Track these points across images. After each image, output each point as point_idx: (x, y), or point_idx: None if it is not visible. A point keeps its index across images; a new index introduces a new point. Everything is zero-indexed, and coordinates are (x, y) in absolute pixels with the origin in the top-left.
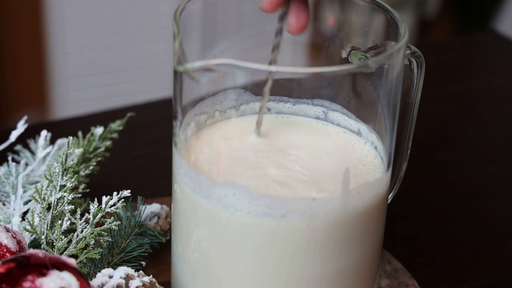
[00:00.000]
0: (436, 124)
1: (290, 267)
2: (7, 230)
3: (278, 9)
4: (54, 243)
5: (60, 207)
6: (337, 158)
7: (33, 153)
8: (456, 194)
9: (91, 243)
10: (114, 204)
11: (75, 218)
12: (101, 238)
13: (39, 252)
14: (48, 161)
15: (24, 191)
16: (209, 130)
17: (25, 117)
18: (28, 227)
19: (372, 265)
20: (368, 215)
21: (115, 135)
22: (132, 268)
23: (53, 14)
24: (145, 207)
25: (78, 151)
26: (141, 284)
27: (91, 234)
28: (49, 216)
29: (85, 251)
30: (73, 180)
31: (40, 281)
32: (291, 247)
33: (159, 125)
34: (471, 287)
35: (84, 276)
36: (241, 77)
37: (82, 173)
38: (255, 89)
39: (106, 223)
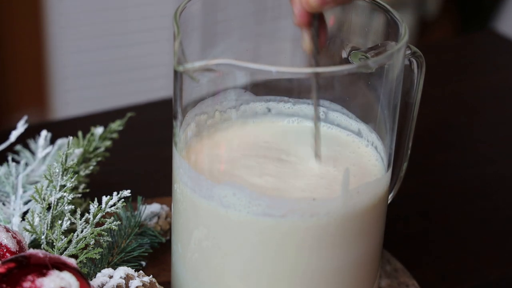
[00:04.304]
0: (436, 124)
1: (290, 267)
2: (7, 230)
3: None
4: (54, 243)
5: (60, 207)
6: (337, 158)
7: (33, 153)
8: (456, 194)
9: (91, 243)
10: (114, 204)
11: (75, 218)
12: (101, 238)
13: (39, 252)
14: (48, 161)
15: (24, 191)
16: (209, 130)
17: (25, 117)
18: (28, 227)
19: (372, 265)
20: (368, 215)
21: (115, 135)
22: (132, 268)
23: (53, 14)
24: (145, 207)
25: (78, 151)
26: (141, 284)
27: (91, 234)
28: (49, 216)
29: (85, 251)
30: (73, 180)
31: (40, 281)
32: (291, 247)
33: (159, 125)
34: (471, 287)
35: (84, 276)
36: (241, 77)
37: (82, 173)
38: (255, 89)
39: (106, 223)
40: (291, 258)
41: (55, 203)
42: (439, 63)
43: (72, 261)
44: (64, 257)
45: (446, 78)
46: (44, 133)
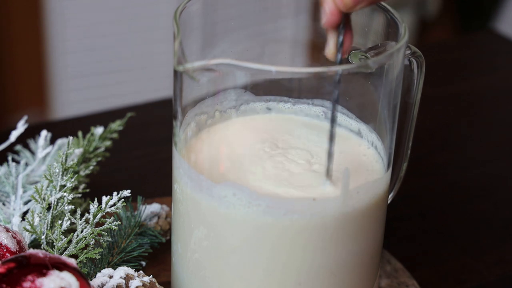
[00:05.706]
0: (436, 124)
1: (290, 267)
2: (7, 230)
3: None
4: (54, 243)
5: (60, 207)
6: (337, 158)
7: (33, 153)
8: (456, 194)
9: (91, 243)
10: (114, 204)
11: (75, 218)
12: (101, 238)
13: (39, 252)
14: (48, 161)
15: (24, 191)
16: (209, 130)
17: (25, 117)
18: (28, 227)
19: (372, 265)
20: (368, 215)
21: (115, 135)
22: (132, 268)
23: (53, 14)
24: (145, 207)
25: (78, 151)
26: (141, 284)
27: (91, 234)
28: (49, 216)
29: (85, 251)
30: (73, 180)
31: (40, 281)
32: (291, 247)
33: (159, 125)
34: (471, 287)
35: (84, 276)
36: (241, 77)
37: (82, 173)
38: (255, 89)
39: (106, 223)
40: (291, 258)
41: (55, 203)
42: (439, 63)
43: (72, 261)
44: (64, 257)
45: (446, 78)
46: (44, 133)
